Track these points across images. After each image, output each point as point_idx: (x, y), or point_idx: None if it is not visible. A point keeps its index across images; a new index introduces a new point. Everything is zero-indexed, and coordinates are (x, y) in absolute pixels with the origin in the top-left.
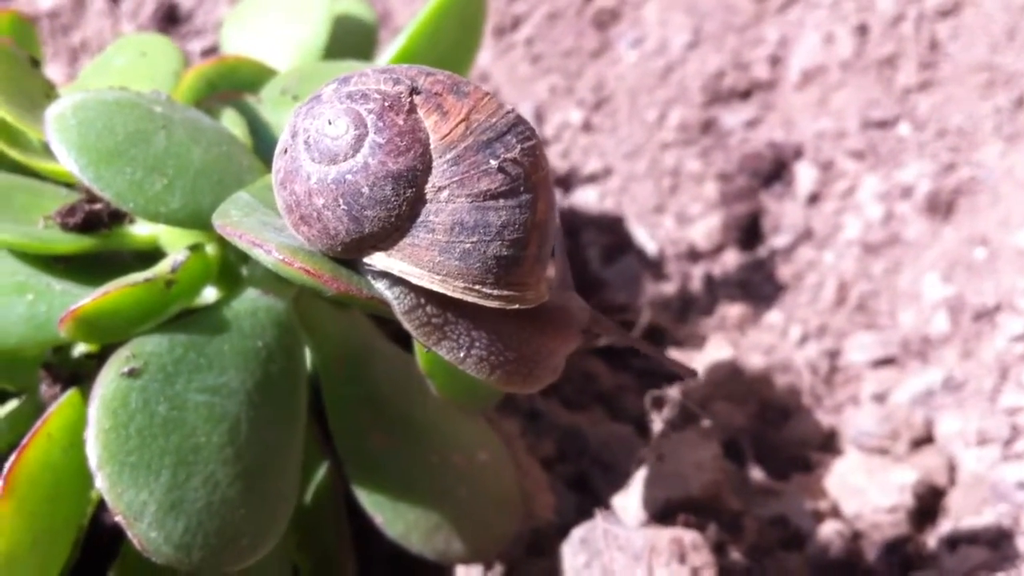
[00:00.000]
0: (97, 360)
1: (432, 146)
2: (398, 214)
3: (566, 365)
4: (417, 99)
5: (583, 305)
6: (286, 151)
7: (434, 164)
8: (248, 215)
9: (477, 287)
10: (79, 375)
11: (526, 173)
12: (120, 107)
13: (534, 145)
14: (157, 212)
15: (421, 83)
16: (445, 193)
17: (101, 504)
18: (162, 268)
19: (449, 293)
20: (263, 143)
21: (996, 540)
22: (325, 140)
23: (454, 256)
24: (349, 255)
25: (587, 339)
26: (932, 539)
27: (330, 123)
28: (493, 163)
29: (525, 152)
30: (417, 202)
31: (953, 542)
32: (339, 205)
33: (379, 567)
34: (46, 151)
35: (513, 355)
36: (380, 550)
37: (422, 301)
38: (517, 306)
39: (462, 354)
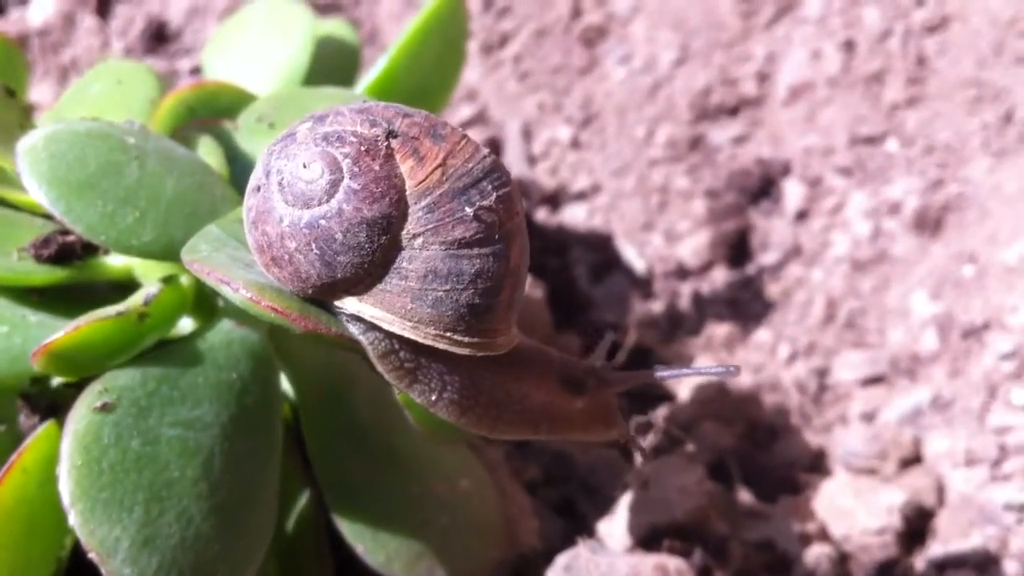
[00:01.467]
0: (76, 389)
1: (408, 192)
2: (371, 260)
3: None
4: (394, 143)
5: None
6: (259, 189)
7: (409, 211)
8: (218, 250)
9: (448, 334)
10: (57, 406)
11: (500, 220)
12: (92, 138)
13: (509, 192)
14: (129, 245)
15: (398, 125)
16: (419, 240)
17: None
18: (135, 301)
19: (420, 340)
20: (239, 172)
21: (984, 563)
22: (299, 183)
23: (426, 303)
24: (321, 298)
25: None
26: (920, 562)
27: (304, 166)
28: (468, 211)
29: (500, 199)
30: (391, 248)
31: (941, 565)
32: (311, 250)
33: None
34: (20, 182)
35: (485, 399)
36: None
37: (396, 346)
38: (487, 352)
39: (433, 397)
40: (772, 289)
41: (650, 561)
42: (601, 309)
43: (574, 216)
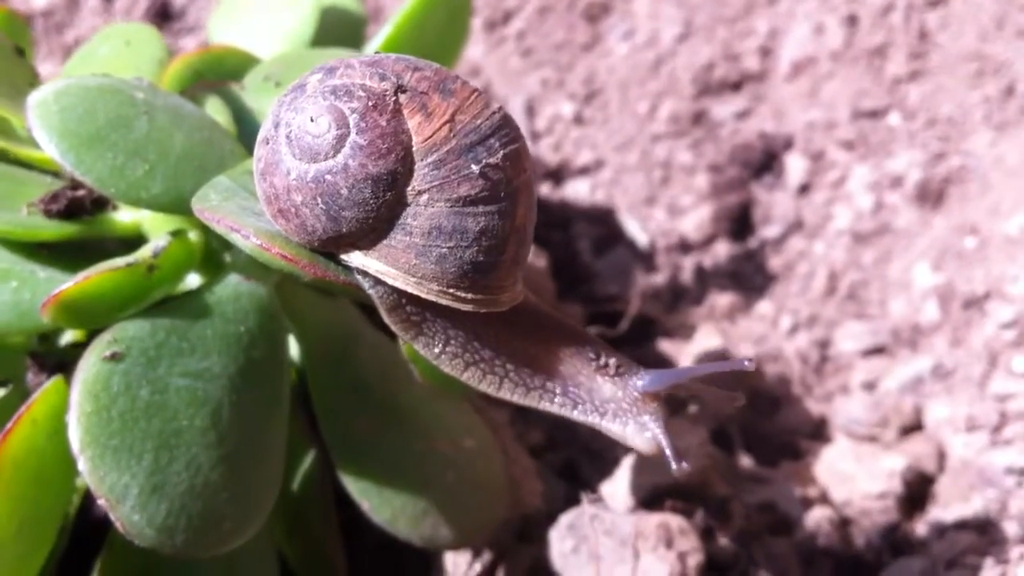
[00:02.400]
0: (83, 349)
1: (414, 148)
2: (376, 216)
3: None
4: (402, 98)
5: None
6: (268, 141)
7: (415, 167)
8: (227, 200)
9: (451, 290)
10: (65, 363)
11: (507, 178)
12: (102, 93)
13: (517, 148)
14: (138, 197)
15: (407, 80)
16: (424, 197)
17: (88, 496)
18: (143, 253)
19: (423, 295)
20: (246, 130)
21: (984, 525)
22: (307, 137)
23: (430, 260)
24: (327, 250)
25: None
26: (921, 525)
27: (312, 120)
28: (475, 168)
29: (507, 156)
30: (396, 205)
31: (941, 528)
32: (317, 204)
33: (368, 557)
34: (31, 139)
35: (489, 355)
36: (369, 540)
37: (403, 301)
38: (491, 309)
39: (436, 351)
40: (774, 262)
41: (653, 520)
42: (604, 281)
43: (577, 191)
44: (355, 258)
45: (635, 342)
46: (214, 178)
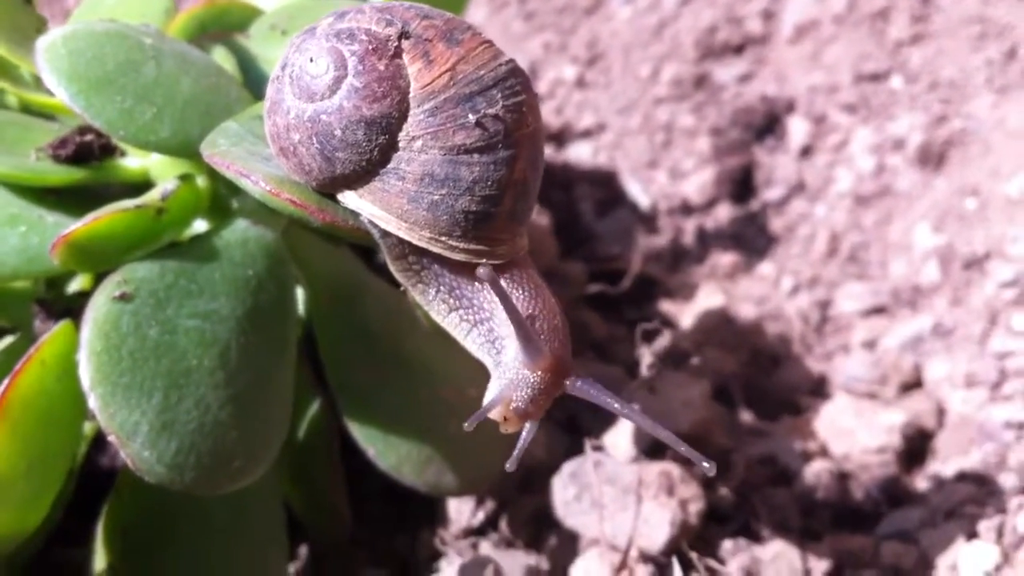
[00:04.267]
0: (90, 297)
1: (411, 94)
2: (369, 159)
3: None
4: (405, 44)
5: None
6: (275, 80)
7: (411, 113)
8: (236, 145)
9: (443, 238)
10: (72, 311)
11: (507, 129)
12: (110, 38)
13: (521, 101)
14: (147, 140)
15: (413, 27)
16: (419, 143)
17: (94, 445)
18: (153, 196)
19: (414, 241)
20: (252, 77)
21: (982, 477)
22: (306, 77)
23: (422, 206)
24: (323, 191)
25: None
26: (920, 478)
27: (312, 61)
28: (471, 117)
29: (509, 108)
30: (389, 149)
31: (940, 481)
32: (312, 143)
33: (372, 504)
34: (38, 85)
35: (467, 304)
36: (372, 487)
37: (406, 250)
38: (485, 260)
39: (429, 297)
40: (776, 224)
41: (655, 468)
42: (606, 242)
43: (579, 154)
44: (350, 199)
45: (637, 302)
46: (222, 123)
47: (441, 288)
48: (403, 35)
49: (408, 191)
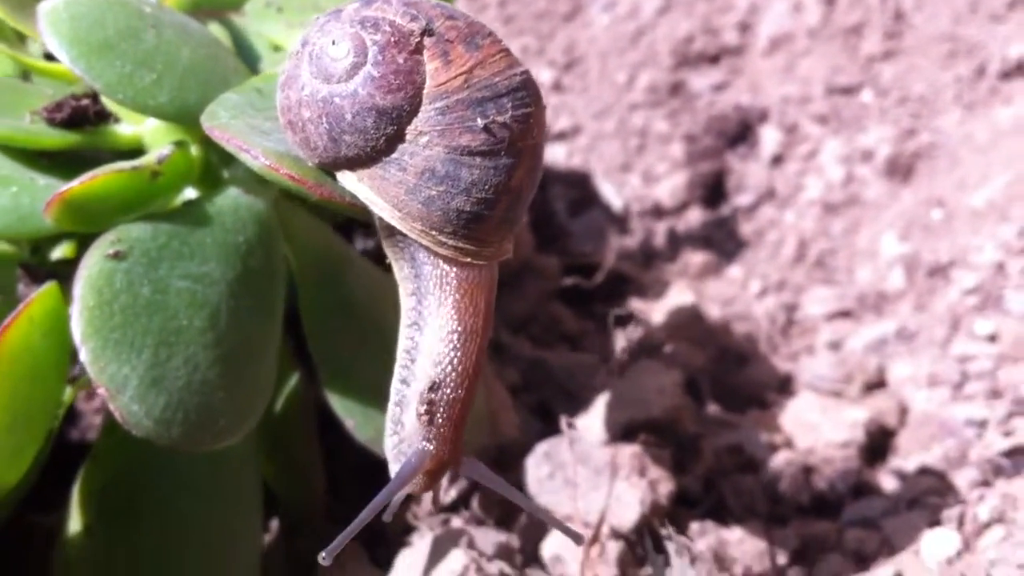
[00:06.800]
0: (74, 264)
1: (425, 91)
2: (374, 146)
3: (532, 307)
4: (427, 41)
5: None
6: (294, 55)
7: (422, 108)
8: (235, 117)
9: (433, 233)
10: (57, 275)
11: (512, 138)
12: (111, 5)
13: (530, 113)
14: (145, 104)
15: (437, 25)
16: (425, 139)
17: (66, 418)
18: (148, 159)
19: (405, 231)
20: (245, 52)
21: (943, 471)
22: (325, 58)
23: (418, 199)
24: (324, 169)
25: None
26: (883, 472)
27: (334, 43)
28: (480, 122)
29: (517, 118)
30: (396, 140)
31: (903, 474)
32: (322, 123)
33: (346, 479)
34: (37, 51)
35: (424, 287)
36: (348, 462)
37: (396, 231)
38: (471, 259)
39: (403, 274)
40: (745, 228)
41: (627, 450)
42: (579, 239)
43: (554, 155)
44: (348, 180)
45: (609, 298)
46: (222, 94)
47: (414, 268)
48: (426, 32)
49: (407, 182)
